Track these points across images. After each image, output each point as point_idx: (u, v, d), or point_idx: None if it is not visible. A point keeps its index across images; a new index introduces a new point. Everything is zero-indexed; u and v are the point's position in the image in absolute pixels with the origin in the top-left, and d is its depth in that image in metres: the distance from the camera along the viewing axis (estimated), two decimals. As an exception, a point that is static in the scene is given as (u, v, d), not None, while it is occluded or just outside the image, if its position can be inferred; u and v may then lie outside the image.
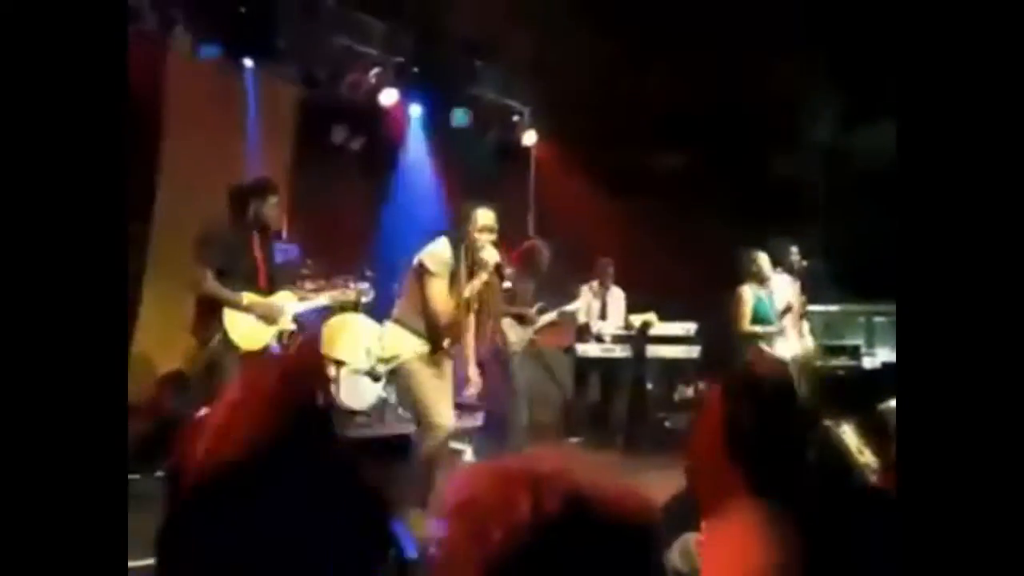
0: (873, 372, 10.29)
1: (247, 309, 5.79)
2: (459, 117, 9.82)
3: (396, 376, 6.00)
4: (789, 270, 8.04)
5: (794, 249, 8.15)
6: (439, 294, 5.48)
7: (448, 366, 5.78)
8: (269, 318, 5.91)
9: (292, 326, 6.25)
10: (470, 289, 5.57)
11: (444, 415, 5.60)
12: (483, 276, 5.60)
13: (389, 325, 5.77)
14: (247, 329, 5.78)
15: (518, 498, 1.02)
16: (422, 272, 5.49)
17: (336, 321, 7.77)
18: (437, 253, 5.51)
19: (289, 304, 6.13)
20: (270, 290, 6.07)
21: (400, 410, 8.22)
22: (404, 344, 5.58)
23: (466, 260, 5.54)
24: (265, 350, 5.90)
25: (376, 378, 7.95)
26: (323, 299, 7.13)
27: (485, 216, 5.63)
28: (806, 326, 9.12)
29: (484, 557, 1.01)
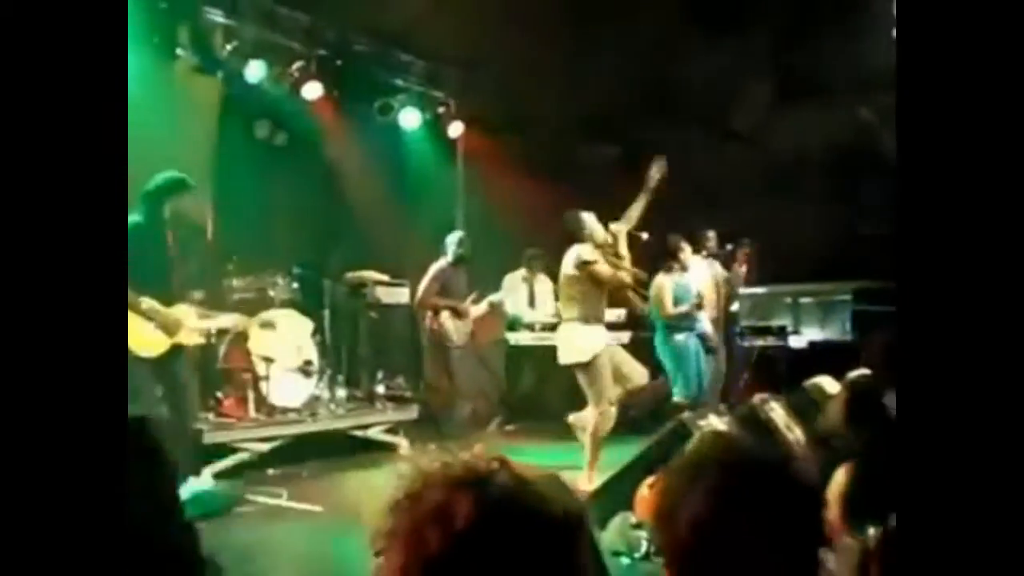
0: (799, 351, 10.54)
1: (146, 315, 5.71)
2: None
3: (588, 369, 6.53)
4: (709, 256, 8.21)
5: (712, 234, 8.31)
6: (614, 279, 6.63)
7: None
8: (168, 329, 5.84)
9: (193, 340, 6.20)
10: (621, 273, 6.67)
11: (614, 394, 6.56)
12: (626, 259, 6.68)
13: (578, 327, 6.57)
14: (144, 335, 5.71)
15: (458, 505, 1.02)
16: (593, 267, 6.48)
17: (266, 317, 7.69)
18: (585, 250, 6.55)
19: (190, 319, 6.05)
20: (181, 292, 6.01)
21: (333, 406, 8.18)
22: (599, 339, 6.53)
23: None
24: (162, 358, 5.83)
25: (308, 375, 7.88)
26: (224, 320, 7.08)
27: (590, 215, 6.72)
28: (735, 306, 9.29)
29: (422, 561, 1.01)
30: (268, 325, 7.62)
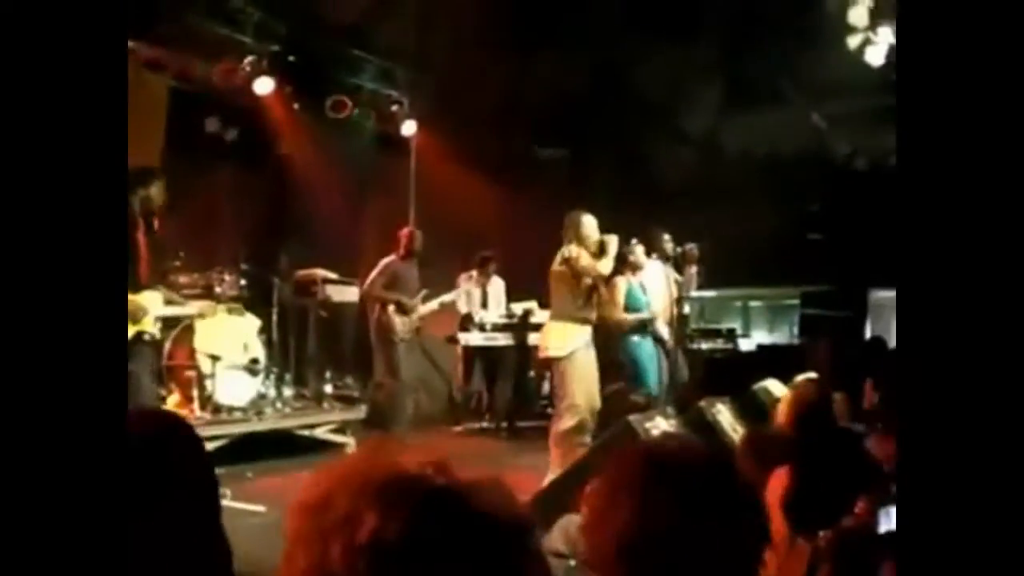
0: (748, 354, 10.65)
1: None
2: None
3: (561, 364, 6.64)
4: (664, 258, 8.23)
5: (667, 237, 8.34)
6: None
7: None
8: (132, 316, 5.74)
9: (156, 328, 6.11)
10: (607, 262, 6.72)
11: (588, 397, 6.61)
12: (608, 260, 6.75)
13: (558, 324, 6.72)
14: None
15: (363, 517, 0.95)
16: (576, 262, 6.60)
17: (211, 314, 7.58)
18: (572, 250, 6.65)
19: (155, 306, 5.96)
20: (149, 281, 5.91)
21: (279, 405, 8.10)
22: (578, 337, 6.61)
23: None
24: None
25: (255, 373, 7.79)
26: (190, 308, 6.98)
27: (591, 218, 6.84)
28: (687, 308, 9.34)
29: (321, 568, 0.96)
30: (237, 311, 7.56)
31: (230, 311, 7.66)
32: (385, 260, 8.15)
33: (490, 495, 1.01)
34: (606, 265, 6.75)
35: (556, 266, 6.76)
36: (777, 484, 2.23)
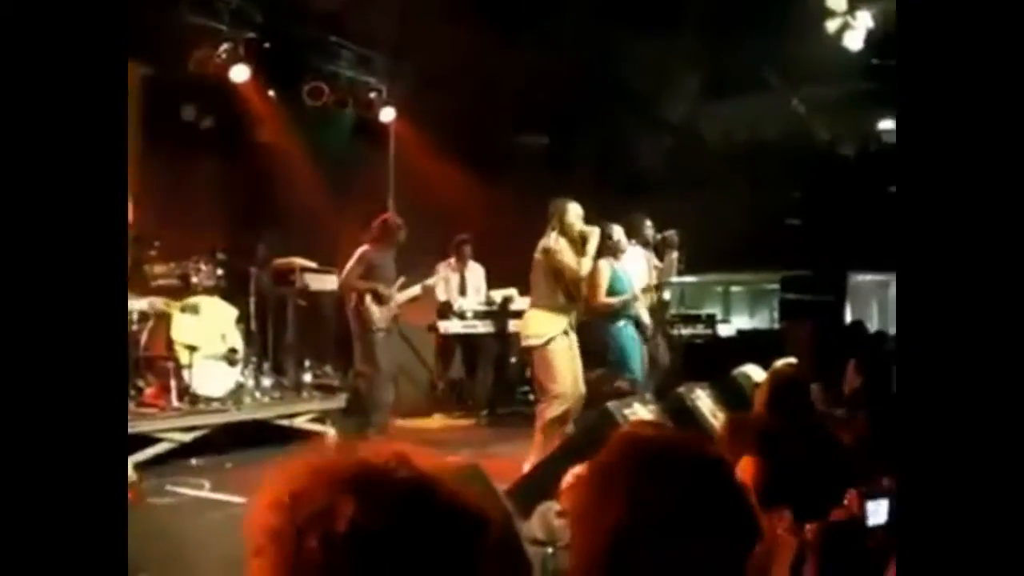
0: (728, 340, 10.68)
1: None
2: None
3: (540, 354, 6.64)
4: (644, 244, 8.22)
5: (648, 223, 8.33)
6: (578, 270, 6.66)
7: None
8: None
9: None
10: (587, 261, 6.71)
11: (572, 383, 6.57)
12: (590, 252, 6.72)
13: (536, 313, 6.72)
14: None
15: (341, 507, 0.96)
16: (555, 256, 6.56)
17: (189, 304, 7.53)
18: (552, 241, 6.62)
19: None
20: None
21: (258, 394, 8.05)
22: (554, 326, 6.58)
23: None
24: None
25: (233, 363, 7.74)
26: (159, 302, 6.94)
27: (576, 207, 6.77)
28: (667, 294, 9.35)
29: (296, 562, 0.96)
30: (191, 309, 7.49)
31: (187, 309, 7.57)
32: (360, 249, 8.09)
33: (453, 486, 1.02)
34: (586, 264, 6.72)
35: (537, 255, 6.73)
36: (744, 471, 2.21)
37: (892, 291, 12.95)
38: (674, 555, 1.38)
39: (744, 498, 1.49)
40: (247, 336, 8.09)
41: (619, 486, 1.42)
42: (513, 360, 10.19)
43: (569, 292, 6.73)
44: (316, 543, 0.95)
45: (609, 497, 1.42)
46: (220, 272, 8.13)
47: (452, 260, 9.91)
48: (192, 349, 7.35)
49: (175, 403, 7.31)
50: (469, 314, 9.68)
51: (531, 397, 10.07)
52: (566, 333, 6.70)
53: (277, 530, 0.98)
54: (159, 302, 7.20)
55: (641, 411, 5.03)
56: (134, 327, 7.21)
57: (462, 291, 9.89)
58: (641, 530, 1.38)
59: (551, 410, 6.52)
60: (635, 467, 1.45)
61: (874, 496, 2.18)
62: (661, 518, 1.38)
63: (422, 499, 0.99)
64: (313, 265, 8.94)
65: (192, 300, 7.57)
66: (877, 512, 2.18)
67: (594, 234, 6.74)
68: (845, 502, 2.18)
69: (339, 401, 8.48)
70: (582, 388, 6.71)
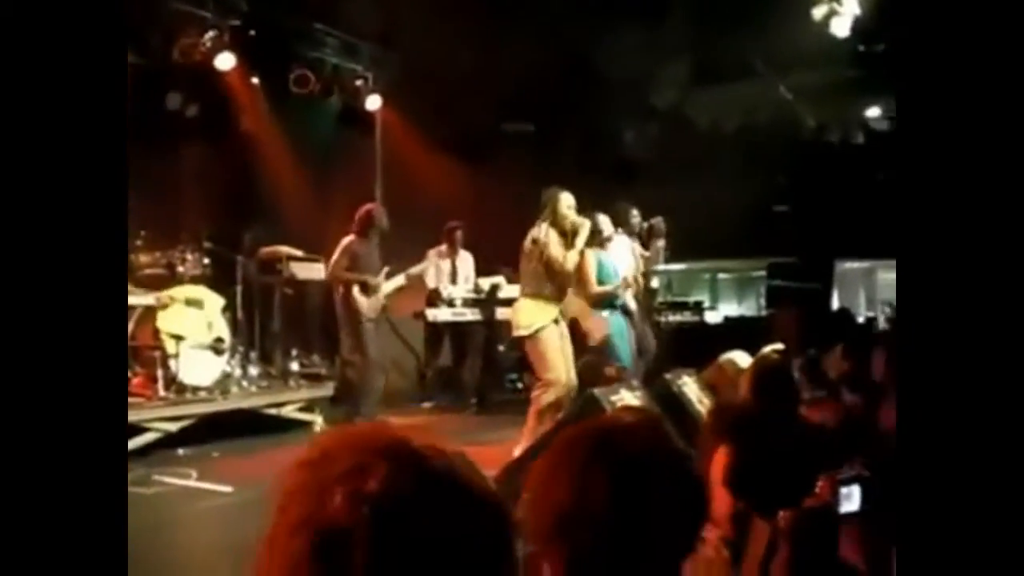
0: (715, 326, 10.70)
1: None
2: None
3: (530, 343, 6.68)
4: (630, 233, 8.22)
5: (635, 212, 8.33)
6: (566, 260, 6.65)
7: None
8: None
9: None
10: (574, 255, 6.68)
11: (565, 371, 6.58)
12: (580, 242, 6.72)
13: (525, 302, 6.71)
14: None
15: (372, 468, 0.95)
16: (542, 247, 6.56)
17: (176, 293, 7.50)
18: (541, 232, 6.61)
19: None
20: None
21: (245, 383, 8.03)
22: (543, 315, 6.59)
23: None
24: None
25: (219, 352, 7.72)
26: (148, 299, 6.93)
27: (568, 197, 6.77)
28: (655, 282, 9.35)
29: (320, 522, 0.93)
30: (194, 303, 7.51)
31: (188, 302, 7.57)
32: (344, 240, 8.05)
33: (473, 473, 1.03)
34: (572, 258, 6.70)
35: (526, 244, 6.72)
36: (720, 458, 2.21)
37: (879, 278, 13.01)
38: (617, 537, 1.40)
39: (691, 479, 1.51)
40: (233, 325, 8.08)
41: (563, 469, 1.45)
42: (501, 348, 10.19)
43: (558, 279, 6.74)
44: (342, 499, 0.93)
45: (555, 481, 1.44)
46: (206, 261, 8.12)
47: (443, 247, 9.87)
48: (178, 338, 7.34)
49: (162, 392, 7.30)
50: (458, 302, 9.66)
51: (519, 385, 10.10)
52: (556, 322, 6.71)
53: (302, 485, 0.96)
54: (152, 297, 7.19)
55: (628, 397, 5.03)
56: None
57: (453, 279, 9.86)
58: (584, 512, 1.40)
59: (546, 396, 6.53)
60: (580, 450, 1.47)
61: (847, 483, 2.18)
62: (604, 500, 1.40)
63: (454, 475, 0.99)
64: (299, 254, 8.92)
65: (178, 290, 7.55)
66: (850, 498, 2.19)
67: (585, 226, 6.73)
68: (817, 489, 2.18)
69: (326, 389, 8.47)
70: (574, 378, 6.72)
